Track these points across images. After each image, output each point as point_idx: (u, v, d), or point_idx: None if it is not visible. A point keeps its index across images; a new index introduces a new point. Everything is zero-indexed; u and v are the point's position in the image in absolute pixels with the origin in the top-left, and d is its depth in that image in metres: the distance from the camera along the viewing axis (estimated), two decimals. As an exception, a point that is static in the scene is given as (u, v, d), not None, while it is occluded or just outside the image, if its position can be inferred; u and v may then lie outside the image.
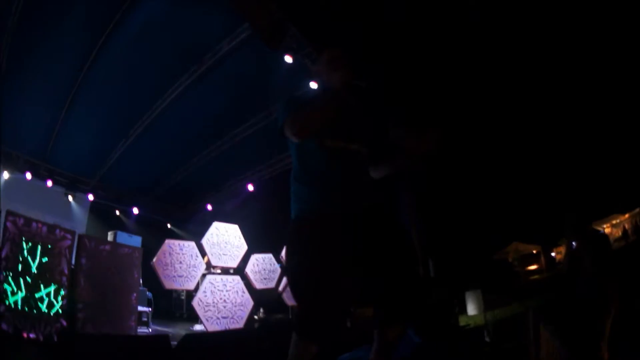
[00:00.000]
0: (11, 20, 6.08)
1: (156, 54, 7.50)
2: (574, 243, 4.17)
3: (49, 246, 4.91)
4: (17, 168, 8.27)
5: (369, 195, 1.85)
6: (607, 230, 15.18)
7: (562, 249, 16.63)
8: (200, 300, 7.50)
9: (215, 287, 7.89)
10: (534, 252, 20.56)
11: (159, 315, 8.87)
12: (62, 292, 4.97)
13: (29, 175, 8.34)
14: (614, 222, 14.91)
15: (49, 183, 9.01)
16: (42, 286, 4.70)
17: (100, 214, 10.54)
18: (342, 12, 6.40)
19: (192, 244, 8.39)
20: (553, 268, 18.13)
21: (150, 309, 7.25)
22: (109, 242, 6.40)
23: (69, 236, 5.24)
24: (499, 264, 18.91)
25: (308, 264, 1.70)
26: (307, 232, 1.76)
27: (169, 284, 7.39)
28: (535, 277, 17.89)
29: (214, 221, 9.18)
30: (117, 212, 11.10)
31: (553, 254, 19.42)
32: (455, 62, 7.33)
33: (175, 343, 4.50)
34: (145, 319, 6.79)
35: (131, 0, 6.52)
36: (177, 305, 10.24)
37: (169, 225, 12.27)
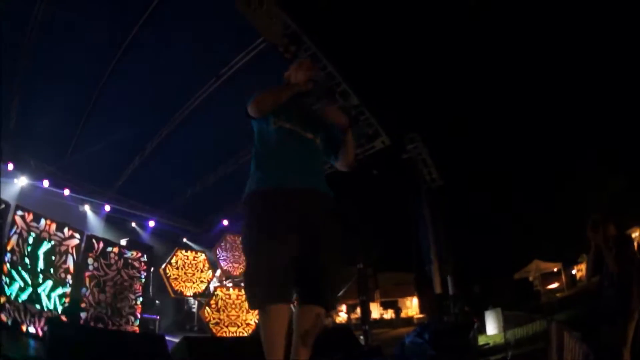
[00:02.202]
0: (30, 32, 6.28)
1: (173, 68, 7.64)
2: (597, 246, 3.94)
3: (56, 243, 4.91)
4: (35, 176, 8.41)
5: (318, 184, 2.02)
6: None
7: (583, 266, 16.02)
8: (209, 311, 7.42)
9: (225, 298, 7.80)
10: (555, 270, 19.94)
11: (169, 326, 8.76)
12: (66, 290, 4.94)
13: (46, 183, 8.45)
14: (633, 235, 14.29)
15: (66, 192, 9.12)
16: (45, 282, 4.68)
17: (116, 225, 10.58)
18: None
19: (203, 254, 8.34)
20: (574, 286, 17.50)
21: (158, 317, 7.17)
22: (117, 245, 6.39)
23: (77, 235, 5.25)
24: (520, 283, 18.34)
25: (254, 235, 1.87)
26: (254, 206, 1.93)
27: (176, 291, 7.32)
28: (557, 295, 17.31)
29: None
30: (133, 224, 11.15)
31: (574, 272, 18.75)
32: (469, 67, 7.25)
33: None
34: (152, 327, 6.70)
35: (148, 16, 6.73)
36: (188, 317, 10.11)
37: (184, 240, 12.23)
